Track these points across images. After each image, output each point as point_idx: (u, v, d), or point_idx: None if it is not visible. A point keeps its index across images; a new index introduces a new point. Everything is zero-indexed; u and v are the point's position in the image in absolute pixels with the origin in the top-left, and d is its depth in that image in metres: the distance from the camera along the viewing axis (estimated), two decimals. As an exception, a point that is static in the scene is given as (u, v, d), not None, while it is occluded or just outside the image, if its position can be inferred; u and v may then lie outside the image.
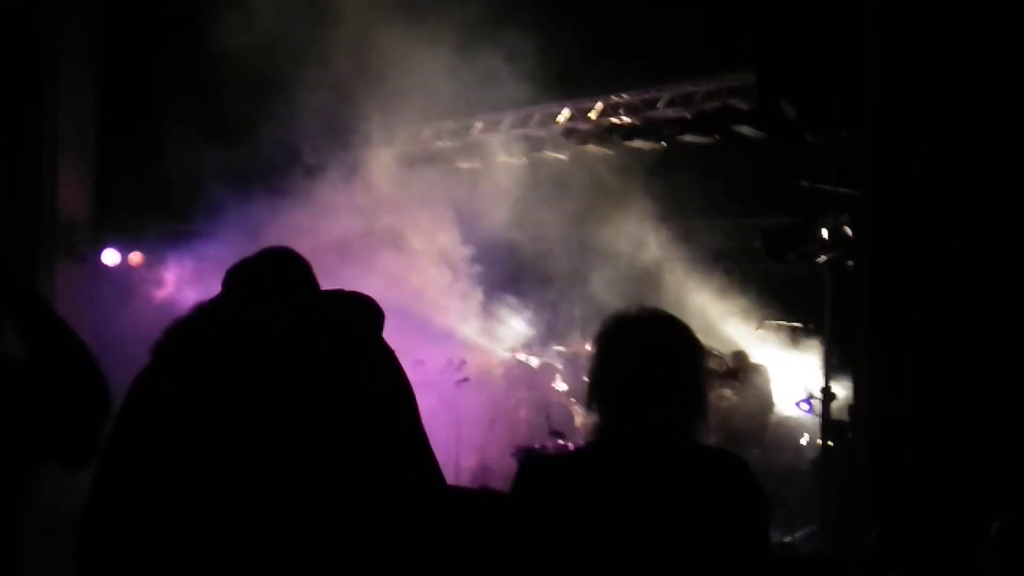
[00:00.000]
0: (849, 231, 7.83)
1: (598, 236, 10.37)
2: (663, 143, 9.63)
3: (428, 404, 5.16)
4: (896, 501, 5.99)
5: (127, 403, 2.44)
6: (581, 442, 2.53)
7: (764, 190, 9.02)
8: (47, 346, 2.21)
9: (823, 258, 8.08)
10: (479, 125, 10.62)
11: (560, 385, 10.51)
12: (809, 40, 7.13)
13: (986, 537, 3.50)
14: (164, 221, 9.95)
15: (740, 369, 9.60)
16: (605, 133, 9.86)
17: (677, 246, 10.47)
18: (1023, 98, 5.69)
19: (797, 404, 9.11)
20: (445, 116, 10.39)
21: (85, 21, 9.54)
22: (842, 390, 7.92)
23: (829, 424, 7.86)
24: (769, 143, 8.67)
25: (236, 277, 2.60)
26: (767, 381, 9.68)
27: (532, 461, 2.90)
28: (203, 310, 2.52)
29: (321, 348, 2.45)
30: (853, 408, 7.15)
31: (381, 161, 10.19)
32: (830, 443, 7.81)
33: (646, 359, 2.41)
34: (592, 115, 10.04)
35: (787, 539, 7.75)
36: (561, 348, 11.06)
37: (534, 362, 10.91)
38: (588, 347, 3.55)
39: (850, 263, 7.73)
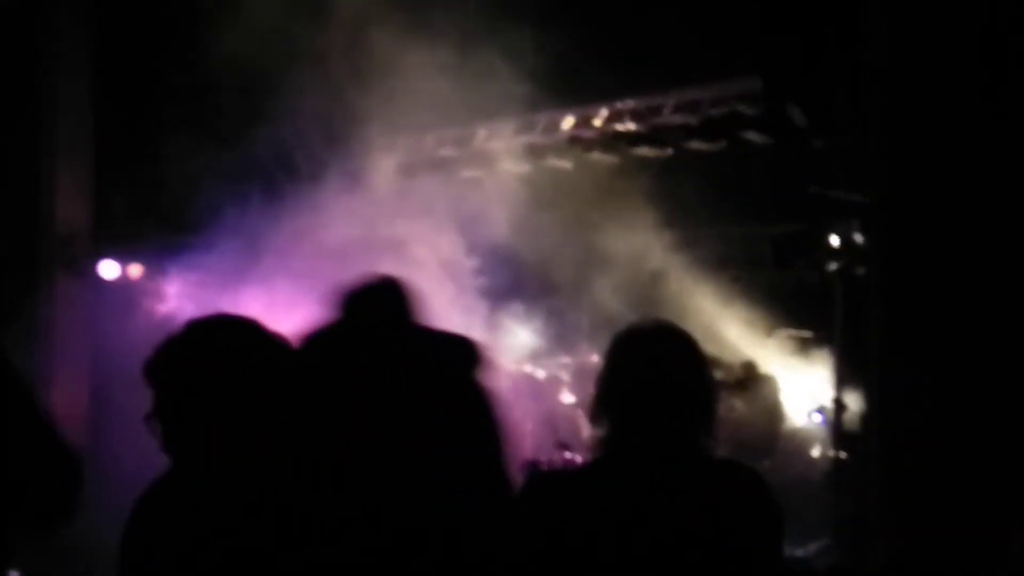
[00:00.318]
0: (859, 238, 7.78)
1: (604, 244, 10.30)
2: (669, 150, 9.59)
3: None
4: (908, 513, 5.90)
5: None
6: (588, 455, 2.54)
7: (772, 197, 8.96)
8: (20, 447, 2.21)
9: (833, 266, 8.03)
10: (482, 133, 10.57)
11: (567, 397, 10.43)
12: (816, 43, 7.08)
13: (1007, 553, 3.43)
14: (163, 232, 9.89)
15: (750, 379, 9.53)
16: (610, 140, 9.84)
17: (684, 254, 10.40)
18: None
19: (809, 414, 9.05)
20: (447, 124, 10.33)
21: (82, 30, 9.47)
22: (853, 401, 7.84)
23: (841, 435, 7.81)
24: (777, 149, 8.62)
25: (356, 304, 2.81)
26: (777, 391, 9.62)
27: (540, 476, 2.89)
28: (332, 336, 2.68)
29: (421, 384, 2.64)
30: (864, 419, 7.07)
31: (383, 169, 10.14)
32: (842, 454, 7.75)
33: (654, 371, 2.41)
34: (597, 122, 9.98)
35: (799, 553, 7.64)
36: (567, 360, 10.98)
37: (540, 374, 10.84)
38: (595, 358, 3.62)
39: (861, 271, 7.67)
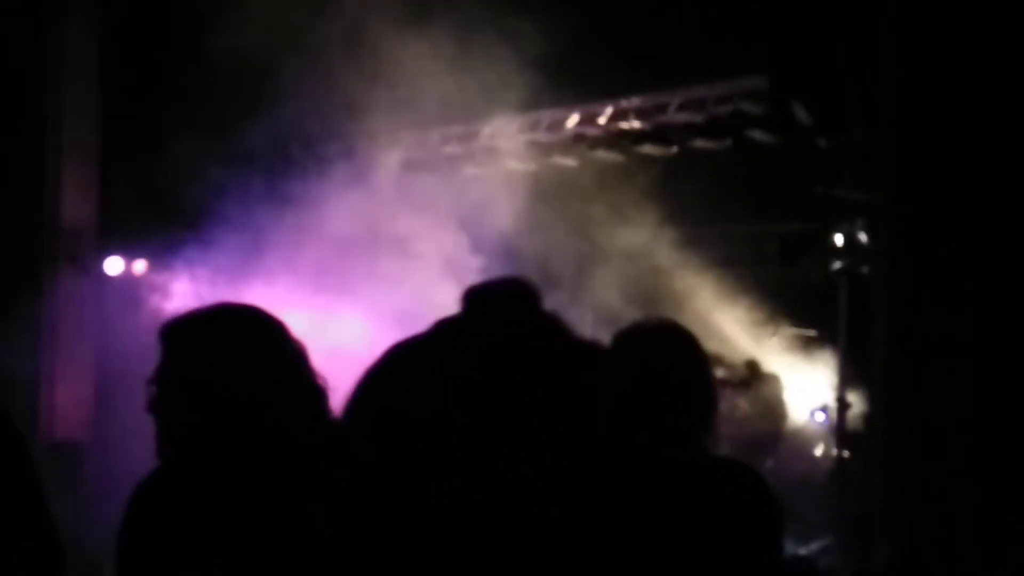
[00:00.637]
0: (864, 237, 7.76)
1: (608, 242, 10.27)
2: (674, 148, 9.55)
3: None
4: (912, 513, 5.89)
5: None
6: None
7: (777, 196, 8.93)
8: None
9: (838, 264, 8.01)
10: (486, 130, 10.54)
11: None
12: (823, 42, 7.07)
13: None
14: (168, 228, 9.88)
15: (753, 378, 9.51)
16: (615, 138, 9.79)
17: (688, 252, 10.37)
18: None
19: (813, 413, 9.03)
20: (452, 120, 10.30)
21: (88, 28, 9.48)
22: (857, 400, 7.83)
23: (844, 434, 7.80)
24: (782, 148, 8.59)
25: (481, 302, 2.74)
26: (781, 390, 9.59)
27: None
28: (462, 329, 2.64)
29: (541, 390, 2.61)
30: (868, 418, 7.06)
31: (387, 165, 10.11)
32: (845, 453, 7.73)
33: (656, 369, 2.39)
34: (602, 120, 9.94)
35: (802, 551, 7.63)
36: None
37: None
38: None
39: (865, 269, 7.65)
